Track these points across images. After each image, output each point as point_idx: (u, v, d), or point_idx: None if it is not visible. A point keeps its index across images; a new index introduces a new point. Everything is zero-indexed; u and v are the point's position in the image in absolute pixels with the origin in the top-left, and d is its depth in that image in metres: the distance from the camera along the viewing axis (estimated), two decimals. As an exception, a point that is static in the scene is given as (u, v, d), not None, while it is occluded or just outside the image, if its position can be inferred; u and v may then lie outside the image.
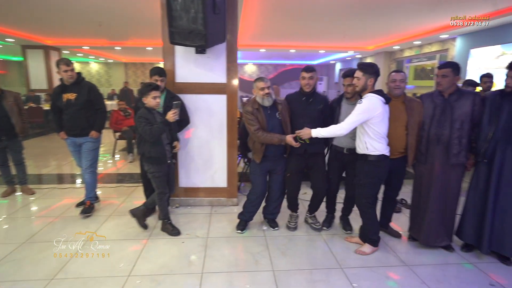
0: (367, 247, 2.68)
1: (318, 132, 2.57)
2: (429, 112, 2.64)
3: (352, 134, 2.80)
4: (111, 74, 16.80)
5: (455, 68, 2.52)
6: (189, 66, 3.39)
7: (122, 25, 7.31)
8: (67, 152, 3.63)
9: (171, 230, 2.98)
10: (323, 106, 2.88)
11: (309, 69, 2.83)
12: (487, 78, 4.47)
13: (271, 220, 3.16)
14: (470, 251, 2.70)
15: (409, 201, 3.45)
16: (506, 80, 2.39)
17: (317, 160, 2.94)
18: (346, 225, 3.12)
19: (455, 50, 7.68)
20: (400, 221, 3.31)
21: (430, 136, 2.62)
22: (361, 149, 2.52)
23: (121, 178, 4.70)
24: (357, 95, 2.80)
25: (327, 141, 2.97)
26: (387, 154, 2.52)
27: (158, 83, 3.04)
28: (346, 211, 3.16)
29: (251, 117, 2.79)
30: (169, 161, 2.93)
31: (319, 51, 10.83)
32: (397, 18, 6.43)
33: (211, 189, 3.64)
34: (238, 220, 3.12)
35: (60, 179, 4.73)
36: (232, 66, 3.40)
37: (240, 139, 3.70)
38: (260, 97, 2.81)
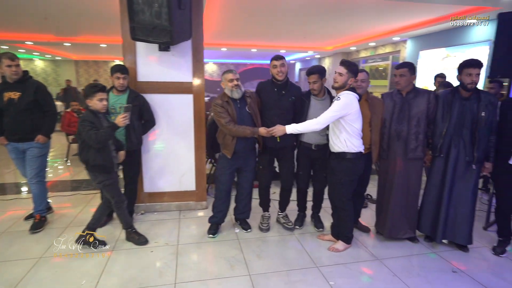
0: (340, 244, 2.73)
1: (294, 128, 2.51)
2: (389, 110, 2.76)
3: (321, 131, 2.84)
4: (60, 72, 15.53)
5: (411, 68, 2.66)
6: (152, 64, 3.20)
7: (71, 19, 6.74)
8: (10, 159, 3.18)
9: (137, 239, 2.79)
10: (296, 98, 2.86)
11: (278, 57, 2.79)
12: (441, 78, 4.81)
13: (243, 221, 3.09)
14: (432, 241, 2.87)
15: (374, 196, 3.59)
16: (466, 78, 2.54)
17: (286, 153, 2.95)
18: (318, 223, 3.16)
19: (406, 52, 8.20)
20: (366, 216, 3.42)
21: (391, 132, 2.74)
22: (339, 147, 2.52)
23: (76, 185, 4.32)
24: (324, 91, 2.84)
25: (297, 135, 2.95)
26: (363, 151, 2.57)
27: (121, 81, 2.84)
28: (316, 208, 3.19)
29: (221, 110, 2.70)
30: (116, 170, 2.69)
31: (280, 51, 10.95)
32: (354, 20, 6.69)
33: (179, 193, 3.48)
34: (209, 224, 3.01)
35: (2, 189, 4.23)
36: (198, 65, 3.27)
37: (207, 139, 3.58)
38: (229, 89, 2.72)
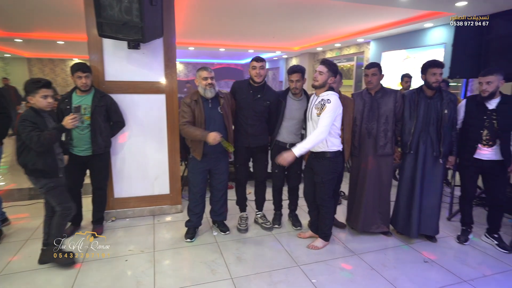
0: (319, 242, 2.76)
1: (302, 148, 2.40)
2: (360, 108, 2.85)
3: (296, 130, 2.86)
4: (10, 71, 14.27)
5: (380, 67, 2.78)
6: (120, 62, 3.03)
7: (24, 13, 6.21)
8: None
9: (64, 259, 2.37)
10: (270, 103, 2.85)
11: (259, 59, 2.77)
12: (408, 78, 5.07)
13: (220, 224, 3.03)
14: (403, 234, 3.00)
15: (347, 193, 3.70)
16: (431, 77, 2.68)
17: (260, 151, 2.96)
18: (296, 222, 3.17)
19: (370, 53, 8.55)
20: (340, 212, 3.51)
21: (362, 130, 2.83)
22: (320, 147, 2.53)
23: (35, 194, 3.98)
24: (302, 92, 2.86)
25: (271, 134, 2.95)
26: (341, 149, 2.63)
27: (83, 80, 2.65)
28: (293, 206, 3.22)
29: (186, 109, 2.62)
30: (61, 175, 2.39)
31: (249, 51, 10.94)
32: (321, 21, 6.85)
33: (152, 197, 3.33)
34: (185, 228, 2.92)
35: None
36: (170, 64, 3.16)
37: (179, 140, 3.47)
38: (202, 87, 2.63)
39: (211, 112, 2.67)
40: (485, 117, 2.64)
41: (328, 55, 10.63)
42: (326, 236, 2.77)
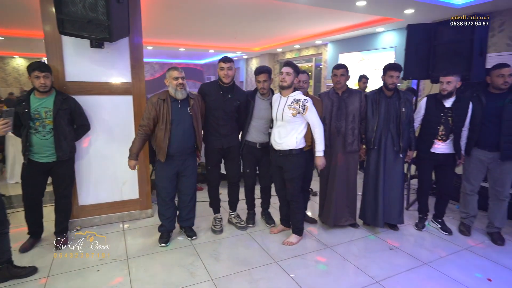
0: (293, 237, 2.86)
1: (321, 148, 2.66)
2: (329, 108, 3.00)
3: (265, 129, 2.93)
4: None
5: (347, 68, 2.95)
6: (83, 62, 2.87)
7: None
8: None
9: (20, 272, 2.26)
10: (240, 102, 2.88)
11: (227, 59, 2.77)
12: (365, 78, 5.40)
13: (188, 229, 2.94)
14: (370, 225, 3.21)
15: (314, 189, 3.87)
16: (388, 79, 2.91)
17: (232, 151, 2.96)
18: (269, 219, 3.24)
19: (327, 55, 8.93)
20: (310, 209, 3.65)
21: (332, 129, 2.99)
22: (288, 145, 2.62)
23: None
24: (269, 92, 2.93)
25: (242, 135, 2.99)
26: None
27: (41, 80, 2.45)
28: (265, 205, 3.28)
29: (150, 109, 2.55)
30: None
31: (209, 51, 10.85)
32: (282, 23, 7.01)
33: (120, 203, 3.19)
34: (158, 233, 2.85)
35: None
36: (137, 64, 3.05)
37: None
38: (173, 88, 2.56)
39: (180, 113, 2.61)
40: (442, 114, 2.91)
41: (288, 56, 10.91)
42: (299, 231, 2.88)
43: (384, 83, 2.97)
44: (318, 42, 8.84)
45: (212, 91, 2.83)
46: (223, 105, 2.80)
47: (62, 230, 2.80)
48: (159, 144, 2.59)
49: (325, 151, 3.01)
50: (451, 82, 2.84)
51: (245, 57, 13.27)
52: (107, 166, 3.08)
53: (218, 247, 2.78)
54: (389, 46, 6.91)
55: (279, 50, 10.75)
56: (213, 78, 16.41)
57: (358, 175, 3.12)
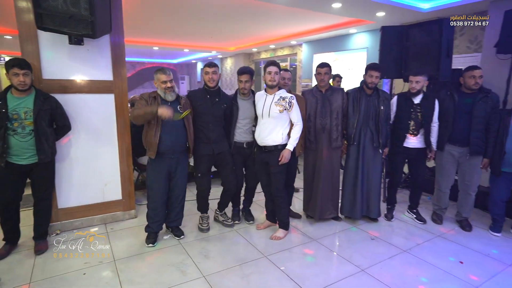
0: (281, 232, 2.93)
1: (293, 142, 2.72)
2: (313, 106, 3.10)
3: (249, 129, 2.97)
4: None
5: (330, 67, 3.06)
6: (61, 59, 2.76)
7: None
8: None
9: None
10: (227, 106, 2.90)
11: (212, 64, 2.80)
12: (339, 78, 5.59)
13: (175, 228, 2.92)
14: (350, 217, 3.35)
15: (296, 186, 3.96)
16: (368, 78, 3.06)
17: (224, 157, 2.94)
18: (248, 216, 3.28)
19: (302, 55, 9.14)
20: (293, 204, 3.75)
21: (317, 126, 3.09)
22: (275, 141, 2.70)
23: None
24: (250, 91, 2.98)
25: (229, 139, 2.98)
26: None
27: (21, 78, 2.33)
28: (247, 203, 3.31)
29: (143, 103, 2.54)
30: None
31: (184, 50, 10.70)
32: (259, 23, 7.10)
33: (103, 205, 3.10)
34: (143, 234, 2.81)
35: None
36: (119, 61, 2.99)
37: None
38: (161, 90, 2.59)
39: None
40: (411, 110, 3.11)
41: (263, 55, 11.02)
42: (285, 225, 2.95)
43: (365, 82, 3.10)
44: (293, 42, 9.01)
45: (199, 96, 2.84)
46: (212, 109, 2.80)
47: (42, 234, 2.68)
48: (149, 140, 2.57)
49: (310, 147, 3.13)
50: (419, 81, 3.05)
51: (220, 56, 13.24)
52: (89, 166, 2.98)
53: (206, 245, 2.79)
54: (361, 47, 7.21)
55: (254, 50, 10.83)
56: (186, 78, 16.26)
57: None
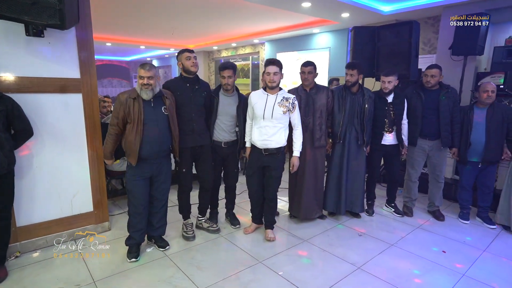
0: (272, 232, 2.89)
1: (298, 148, 2.77)
2: (297, 104, 3.06)
3: (230, 128, 2.84)
4: None
5: (315, 66, 3.04)
6: (17, 53, 2.37)
7: None
8: None
9: None
10: (206, 94, 2.75)
11: (191, 50, 2.64)
12: (336, 81, 5.68)
13: (158, 239, 2.69)
14: (335, 215, 3.39)
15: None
16: (346, 77, 3.10)
17: (205, 151, 2.77)
18: (234, 220, 3.16)
19: (265, 53, 9.13)
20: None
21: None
22: (278, 143, 2.65)
23: None
24: (234, 88, 2.85)
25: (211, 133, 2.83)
26: None
27: None
28: (230, 205, 3.19)
29: (118, 108, 2.31)
30: None
31: (140, 47, 10.09)
32: (221, 21, 6.93)
33: (71, 218, 2.74)
34: (122, 248, 2.54)
35: None
36: (88, 57, 2.65)
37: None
38: (138, 86, 2.34)
39: (154, 113, 2.38)
40: (386, 108, 3.22)
41: (224, 54, 10.83)
42: (273, 224, 2.94)
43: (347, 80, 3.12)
44: (256, 41, 8.97)
45: (178, 86, 2.64)
46: (193, 97, 2.63)
47: (1, 258, 2.28)
48: (129, 146, 2.34)
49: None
50: (391, 81, 3.16)
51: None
52: (54, 176, 2.61)
53: (196, 255, 2.60)
54: (324, 46, 7.41)
55: (215, 48, 10.60)
56: (141, 76, 15.41)
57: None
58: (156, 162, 2.46)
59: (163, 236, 2.72)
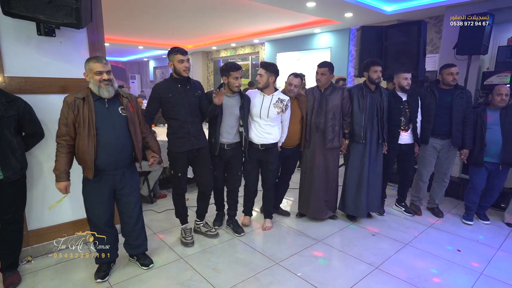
0: (269, 222, 3.09)
1: (281, 142, 2.98)
2: (311, 104, 3.04)
3: (231, 129, 2.76)
4: None
5: (331, 67, 3.00)
6: (28, 53, 2.31)
7: None
8: None
9: None
10: (201, 92, 2.65)
11: (185, 51, 2.50)
12: (343, 81, 5.68)
13: (141, 256, 2.42)
14: (355, 219, 3.31)
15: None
16: (372, 75, 3.04)
17: (202, 154, 2.66)
18: (237, 228, 2.99)
19: (265, 53, 9.12)
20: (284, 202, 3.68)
21: (311, 125, 3.04)
22: (274, 139, 2.85)
23: None
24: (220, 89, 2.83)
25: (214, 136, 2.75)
26: None
27: None
28: (232, 212, 3.06)
29: (66, 112, 1.98)
30: None
31: (139, 47, 10.01)
32: (222, 21, 6.90)
33: (83, 221, 2.65)
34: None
35: None
36: (99, 55, 2.58)
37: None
38: (95, 84, 2.00)
39: (109, 114, 2.06)
40: (401, 106, 3.21)
41: (223, 54, 10.79)
42: (271, 214, 3.16)
43: (369, 78, 3.04)
44: (256, 41, 8.95)
45: (169, 88, 2.50)
46: (187, 98, 2.51)
47: (12, 264, 2.22)
48: (82, 156, 2.00)
49: (306, 145, 3.08)
50: (408, 78, 3.16)
51: (175, 54, 12.67)
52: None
53: (211, 257, 2.56)
54: (325, 46, 7.41)
55: (214, 48, 10.56)
56: (137, 77, 15.30)
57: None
58: (117, 173, 2.13)
59: (146, 252, 2.46)
